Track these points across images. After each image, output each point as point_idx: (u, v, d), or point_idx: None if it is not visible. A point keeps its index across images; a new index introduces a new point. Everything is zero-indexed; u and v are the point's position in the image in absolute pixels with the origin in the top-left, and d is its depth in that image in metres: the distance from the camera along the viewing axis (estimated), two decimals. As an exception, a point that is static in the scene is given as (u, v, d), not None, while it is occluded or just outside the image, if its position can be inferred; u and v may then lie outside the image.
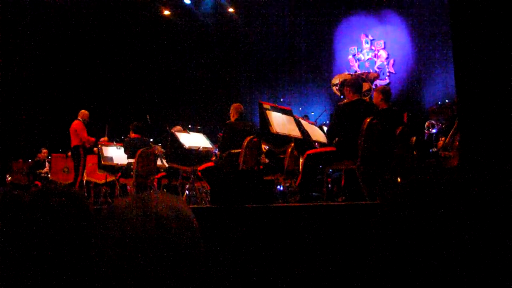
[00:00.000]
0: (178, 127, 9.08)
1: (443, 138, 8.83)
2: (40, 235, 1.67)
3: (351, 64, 16.03)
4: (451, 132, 8.21)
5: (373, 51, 15.81)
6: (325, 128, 7.62)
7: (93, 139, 10.72)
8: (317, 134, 7.24)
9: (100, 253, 1.25)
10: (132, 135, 9.51)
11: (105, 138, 10.89)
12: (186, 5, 16.83)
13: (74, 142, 10.70)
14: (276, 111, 6.58)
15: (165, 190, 9.10)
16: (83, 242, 1.69)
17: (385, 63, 15.55)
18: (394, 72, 15.39)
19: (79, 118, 10.85)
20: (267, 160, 8.13)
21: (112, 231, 1.24)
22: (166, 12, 16.87)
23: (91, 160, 10.86)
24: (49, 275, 1.64)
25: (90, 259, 1.28)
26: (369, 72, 11.75)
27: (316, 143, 6.99)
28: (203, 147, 8.20)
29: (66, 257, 1.67)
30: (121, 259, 1.21)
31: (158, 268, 1.22)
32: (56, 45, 16.10)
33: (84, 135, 10.64)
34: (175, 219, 1.27)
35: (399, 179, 6.35)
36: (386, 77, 15.33)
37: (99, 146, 9.77)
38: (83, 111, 11.02)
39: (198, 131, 9.17)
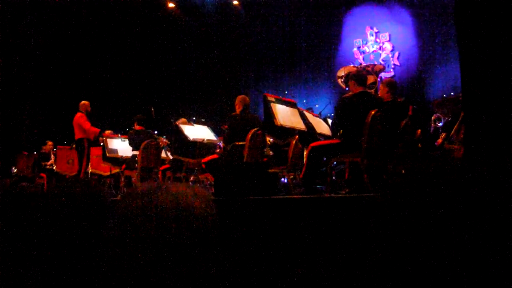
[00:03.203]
0: (183, 120, 9.10)
1: (443, 135, 8.80)
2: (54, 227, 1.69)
3: (356, 56, 16.00)
4: (456, 124, 8.18)
5: (378, 43, 15.77)
6: (329, 121, 7.61)
7: (97, 130, 10.71)
8: (322, 127, 7.23)
9: (119, 235, 1.26)
10: (137, 127, 9.53)
11: (110, 132, 10.90)
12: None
13: (78, 135, 10.70)
14: (281, 104, 6.58)
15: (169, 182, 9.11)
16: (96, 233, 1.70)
17: (390, 55, 15.51)
18: (399, 64, 15.35)
19: (81, 110, 10.83)
20: (271, 153, 8.13)
21: (134, 213, 1.26)
22: (171, 5, 16.85)
23: (95, 152, 10.88)
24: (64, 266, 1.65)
25: (105, 246, 1.29)
26: (374, 65, 11.72)
27: (321, 136, 6.98)
28: (207, 140, 8.21)
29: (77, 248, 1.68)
30: (144, 243, 1.23)
31: (180, 251, 1.23)
32: (61, 39, 16.11)
33: (88, 127, 10.64)
34: (200, 207, 1.29)
35: (403, 172, 6.34)
36: (391, 70, 15.29)
37: (104, 138, 9.80)
38: (83, 102, 10.97)
39: (202, 123, 9.18)
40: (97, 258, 1.68)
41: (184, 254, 1.25)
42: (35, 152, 14.23)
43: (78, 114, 10.75)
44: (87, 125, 10.64)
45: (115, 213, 1.31)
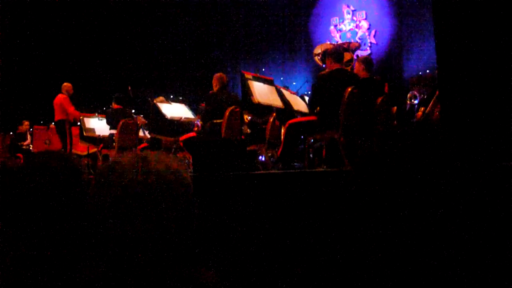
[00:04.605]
0: (161, 98, 9.07)
1: (422, 109, 8.89)
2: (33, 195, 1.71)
3: (332, 35, 16.00)
4: (431, 102, 8.26)
5: (354, 21, 15.77)
6: (306, 98, 7.64)
7: (79, 114, 10.69)
8: (299, 104, 7.26)
9: (99, 206, 1.29)
10: (114, 106, 9.52)
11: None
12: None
13: (59, 116, 10.64)
14: (258, 81, 6.59)
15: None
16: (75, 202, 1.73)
17: (367, 33, 15.54)
18: (375, 42, 15.40)
19: (63, 91, 10.77)
20: (249, 130, 8.16)
21: (113, 185, 1.28)
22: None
23: (73, 132, 10.83)
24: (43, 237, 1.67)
25: (86, 214, 1.32)
26: (350, 42, 11.76)
27: (298, 113, 7.02)
28: (185, 118, 8.21)
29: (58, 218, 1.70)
30: (121, 211, 1.26)
31: (156, 219, 1.27)
32: (39, 16, 15.90)
33: (71, 110, 10.61)
34: (171, 175, 1.32)
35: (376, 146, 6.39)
36: (368, 48, 15.33)
37: (81, 117, 9.77)
38: (66, 84, 10.92)
39: (180, 102, 9.17)
40: (77, 232, 1.71)
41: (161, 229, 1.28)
42: (11, 133, 14.10)
43: (61, 96, 10.66)
44: (71, 108, 10.61)
45: (94, 187, 1.34)
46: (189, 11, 17.20)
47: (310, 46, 15.08)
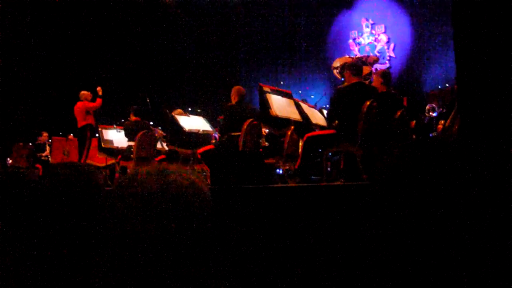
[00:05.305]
0: (179, 110, 9.09)
1: (442, 121, 8.85)
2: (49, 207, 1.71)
3: (351, 48, 16.02)
4: (450, 116, 8.21)
5: (373, 35, 15.79)
6: (325, 112, 7.63)
7: (99, 100, 10.90)
8: (317, 117, 7.25)
9: (116, 218, 1.28)
10: (133, 118, 9.54)
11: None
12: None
13: (81, 122, 10.76)
14: (276, 94, 6.59)
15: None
16: (92, 212, 1.72)
17: (386, 47, 15.54)
18: (394, 56, 15.39)
19: (81, 99, 10.88)
20: (267, 143, 8.14)
21: (131, 197, 1.28)
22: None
23: (92, 143, 10.90)
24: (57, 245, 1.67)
25: (102, 226, 1.31)
26: (368, 56, 11.76)
27: (316, 126, 7.00)
28: (203, 130, 8.22)
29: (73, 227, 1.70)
30: (138, 223, 1.25)
31: (173, 233, 1.26)
32: (56, 28, 16.05)
33: (95, 104, 10.86)
34: (190, 187, 1.32)
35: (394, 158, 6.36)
36: (386, 61, 15.33)
37: (100, 129, 9.80)
38: (84, 92, 11.04)
39: (198, 114, 9.19)
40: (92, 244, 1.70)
41: (179, 244, 1.27)
42: (30, 143, 14.20)
43: (80, 103, 10.80)
44: (93, 104, 10.85)
45: (111, 199, 1.33)
46: (210, 23, 17.28)
47: (329, 60, 15.08)
